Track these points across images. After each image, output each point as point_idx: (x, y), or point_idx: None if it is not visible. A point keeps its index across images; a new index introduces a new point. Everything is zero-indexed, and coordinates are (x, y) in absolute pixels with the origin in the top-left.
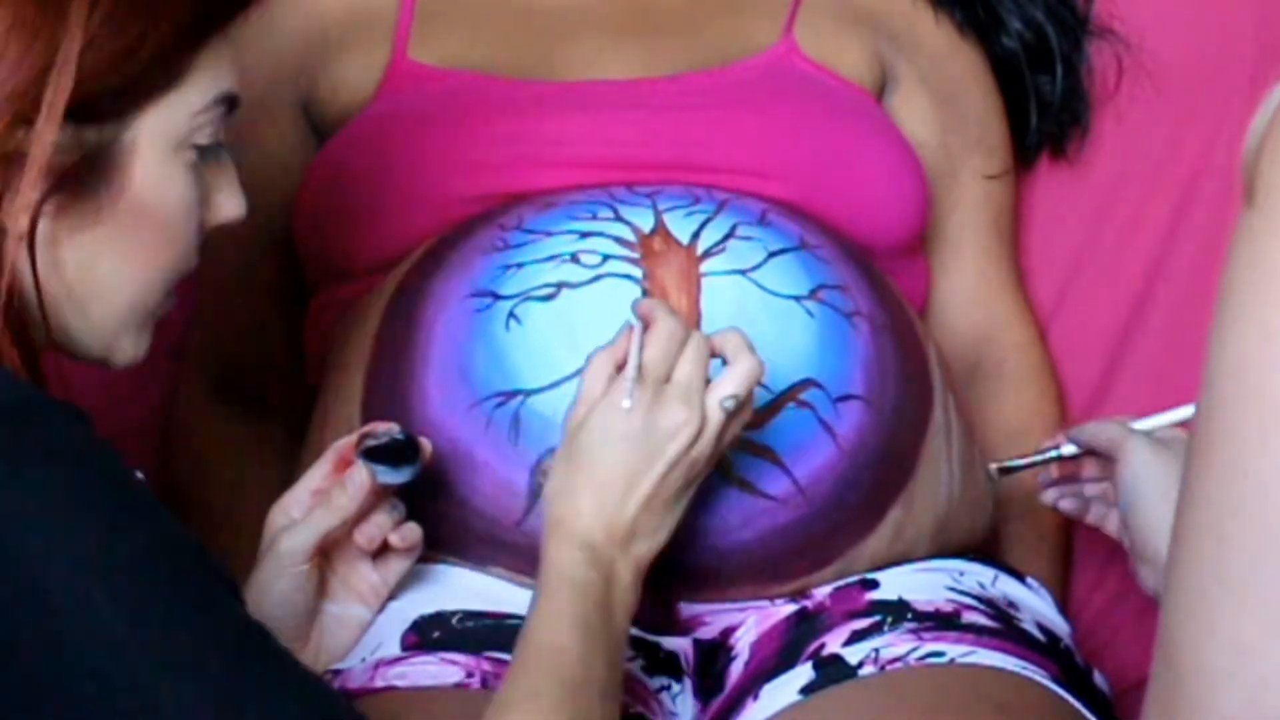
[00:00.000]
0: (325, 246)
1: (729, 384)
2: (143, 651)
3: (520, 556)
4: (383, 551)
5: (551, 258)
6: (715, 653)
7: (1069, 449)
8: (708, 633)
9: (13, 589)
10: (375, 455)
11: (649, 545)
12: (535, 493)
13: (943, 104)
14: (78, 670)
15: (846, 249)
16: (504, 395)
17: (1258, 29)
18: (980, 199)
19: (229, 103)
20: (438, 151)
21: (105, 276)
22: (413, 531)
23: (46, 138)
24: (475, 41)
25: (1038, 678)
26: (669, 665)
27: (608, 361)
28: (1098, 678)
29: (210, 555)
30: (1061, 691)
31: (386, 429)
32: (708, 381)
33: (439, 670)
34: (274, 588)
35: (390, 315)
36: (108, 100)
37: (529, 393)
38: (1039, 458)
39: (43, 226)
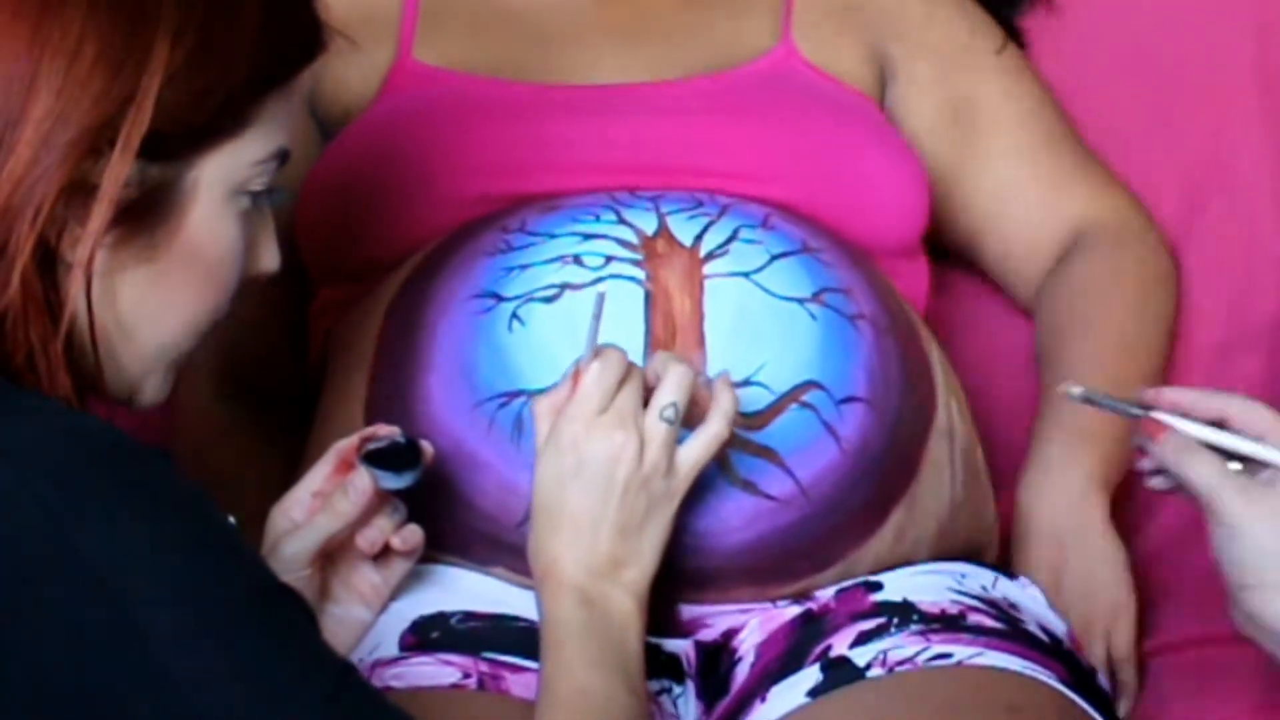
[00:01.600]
0: (328, 247)
1: (664, 394)
2: (246, 689)
3: (522, 557)
4: (384, 553)
5: (554, 259)
6: (718, 655)
7: (1161, 415)
8: (709, 635)
9: (115, 632)
10: (377, 459)
11: (639, 569)
12: None
13: (941, 55)
14: (180, 711)
15: (849, 252)
16: (507, 396)
17: (1258, 29)
18: (1004, 96)
19: (284, 157)
20: (441, 153)
21: (149, 314)
22: (414, 534)
23: (120, 171)
24: (479, 43)
25: (1046, 679)
26: (670, 667)
27: (546, 407)
28: (1100, 679)
29: (290, 590)
30: (1069, 692)
31: (389, 432)
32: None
33: (436, 671)
34: None
35: (393, 316)
36: (178, 140)
37: (532, 393)
38: (1126, 406)
39: (99, 258)
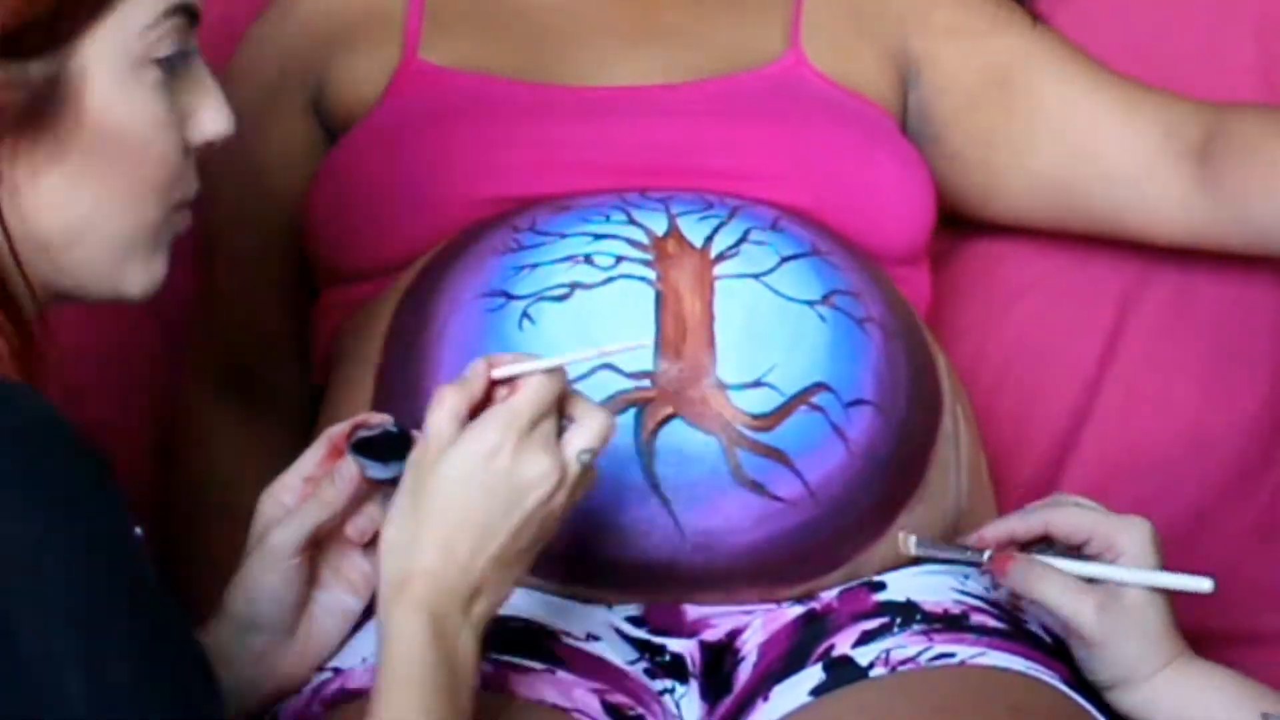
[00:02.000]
0: (335, 247)
1: (584, 437)
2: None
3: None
4: (376, 542)
5: (565, 259)
6: (721, 654)
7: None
8: (713, 635)
9: None
10: (366, 447)
11: (489, 604)
12: None
13: (965, 33)
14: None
15: (857, 256)
16: None
17: (1258, 31)
18: (1053, 48)
19: (185, 13)
20: (449, 154)
21: (87, 211)
22: None
23: None
24: (485, 43)
25: (1049, 679)
26: (674, 668)
27: (458, 399)
28: None
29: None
30: (1072, 693)
31: (380, 420)
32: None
33: None
34: (264, 581)
35: (401, 314)
36: (41, 31)
37: None
38: (961, 554)
39: (5, 174)
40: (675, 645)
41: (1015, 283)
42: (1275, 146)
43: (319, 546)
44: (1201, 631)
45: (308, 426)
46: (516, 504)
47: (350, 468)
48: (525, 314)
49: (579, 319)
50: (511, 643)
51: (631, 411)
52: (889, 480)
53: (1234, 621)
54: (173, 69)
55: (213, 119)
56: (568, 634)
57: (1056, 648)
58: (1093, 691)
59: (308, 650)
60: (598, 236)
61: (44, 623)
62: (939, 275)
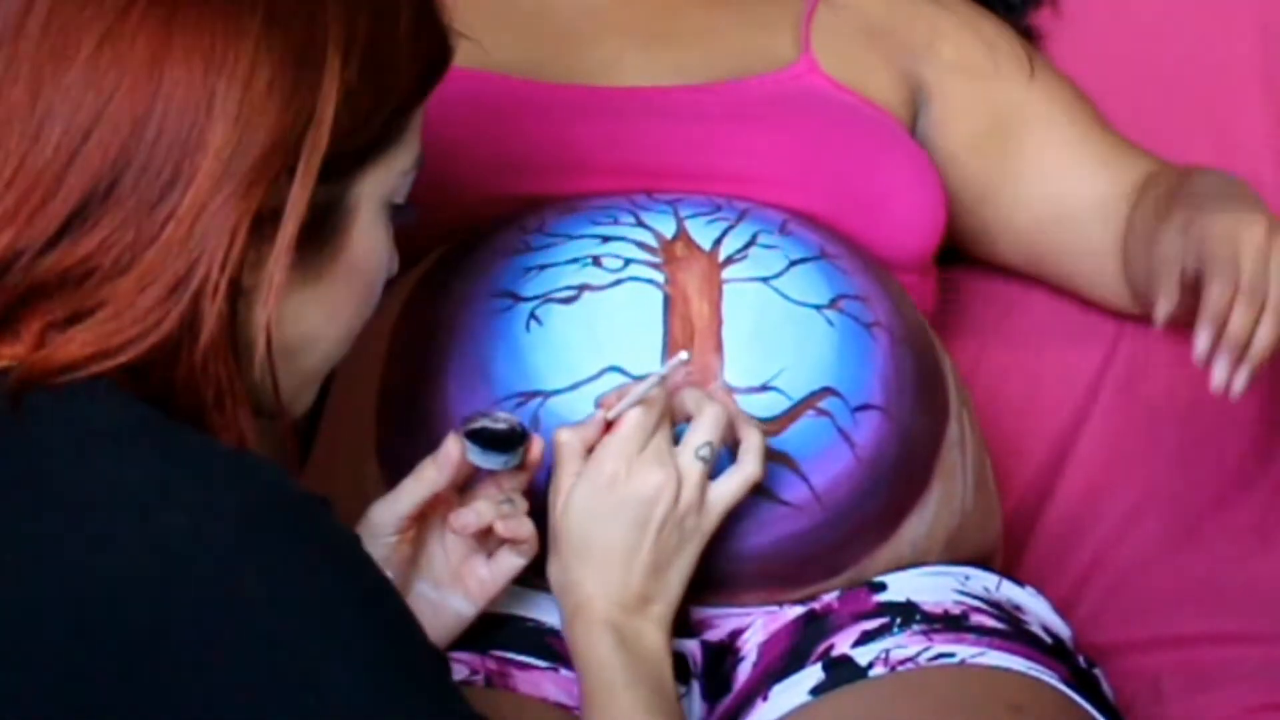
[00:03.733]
0: None
1: (700, 433)
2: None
3: (535, 557)
4: (498, 550)
5: (573, 260)
6: (722, 654)
7: None
8: (715, 635)
9: (289, 682)
10: (481, 438)
11: (666, 603)
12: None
13: (972, 72)
14: None
15: (866, 261)
16: (523, 396)
17: (1261, 31)
18: (1047, 102)
19: (420, 165)
20: (459, 153)
21: (311, 332)
22: (521, 525)
23: (304, 194)
24: (494, 43)
25: (1048, 679)
26: (677, 668)
27: (577, 441)
28: (1102, 680)
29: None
30: (1071, 693)
31: (507, 417)
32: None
33: None
34: None
35: (408, 313)
36: (348, 158)
37: (549, 394)
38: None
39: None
40: (678, 645)
41: (1017, 285)
42: None
43: (423, 536)
44: (1203, 634)
45: (310, 430)
46: (645, 519)
47: (453, 447)
48: (533, 315)
49: (587, 321)
50: (514, 641)
51: None
52: (895, 485)
53: (1233, 622)
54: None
55: (394, 261)
56: None
57: (1056, 648)
58: (1092, 691)
59: None
60: (606, 238)
61: (352, 676)
62: (943, 276)
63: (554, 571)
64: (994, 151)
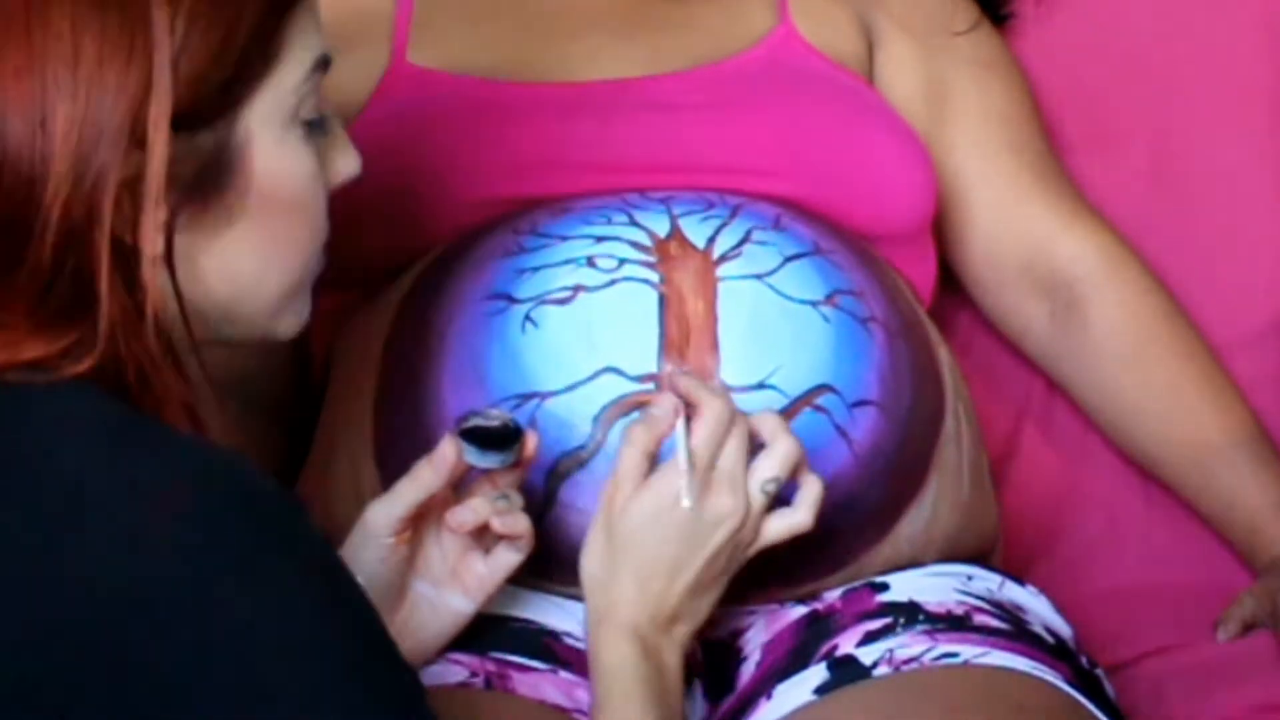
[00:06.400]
0: (332, 251)
1: (771, 466)
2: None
3: (535, 559)
4: (494, 545)
5: (567, 261)
6: (724, 654)
7: None
8: (715, 634)
9: (242, 691)
10: (476, 436)
11: (690, 626)
12: (550, 495)
13: (919, 34)
14: None
15: (861, 254)
16: (520, 397)
17: (1265, 28)
18: (975, 87)
19: (325, 66)
20: (441, 158)
21: (251, 270)
22: (517, 521)
23: (159, 155)
24: (475, 44)
25: (1052, 679)
26: None
27: (646, 438)
28: (1104, 680)
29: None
30: (1075, 693)
31: (500, 414)
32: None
33: (443, 669)
34: (359, 559)
35: (403, 317)
36: (212, 101)
37: (545, 395)
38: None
39: (179, 242)
40: None
41: None
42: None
43: (420, 536)
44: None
45: (307, 435)
46: (705, 541)
47: (449, 447)
48: (528, 317)
49: (582, 322)
50: (513, 643)
51: (635, 414)
52: (893, 481)
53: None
54: (311, 122)
55: (347, 162)
56: (570, 634)
57: (1059, 648)
58: (1095, 691)
59: (402, 640)
60: (600, 238)
61: (316, 682)
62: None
63: (590, 564)
64: (924, 119)
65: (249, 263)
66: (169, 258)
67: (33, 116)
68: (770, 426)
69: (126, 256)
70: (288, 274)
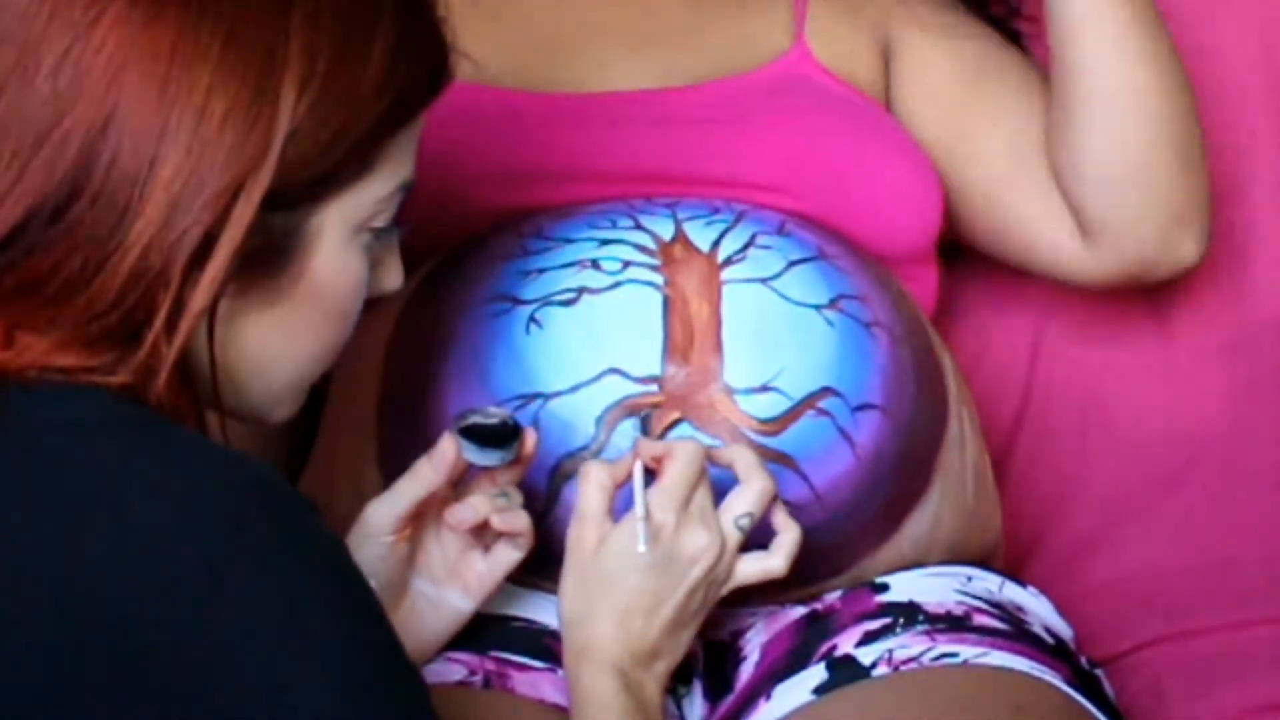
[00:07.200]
0: None
1: (745, 502)
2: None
3: (536, 558)
4: (493, 543)
5: (572, 264)
6: (723, 654)
7: None
8: (715, 634)
9: (254, 691)
10: (475, 434)
11: (670, 662)
12: (553, 495)
13: (937, 24)
14: None
15: (865, 260)
16: (523, 398)
17: (1263, 28)
18: (1014, 62)
19: (407, 189)
20: (454, 166)
21: (273, 354)
22: (517, 518)
23: (241, 223)
24: (486, 54)
25: (1051, 679)
26: (679, 669)
27: (605, 476)
28: (1104, 681)
29: (414, 665)
30: (1074, 694)
31: (498, 411)
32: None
33: (443, 669)
34: (359, 555)
35: (406, 319)
36: (302, 189)
37: (549, 395)
38: None
39: (222, 306)
40: None
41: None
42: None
43: (420, 534)
44: (1207, 626)
45: (307, 438)
46: (682, 578)
47: (448, 445)
48: (532, 318)
49: (587, 323)
50: (512, 642)
51: (639, 416)
52: (895, 485)
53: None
54: (378, 234)
55: (393, 278)
56: None
57: (1059, 648)
58: (1094, 692)
59: (402, 639)
60: (604, 241)
61: (323, 682)
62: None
63: (570, 604)
64: (952, 101)
65: (275, 345)
66: (211, 317)
67: (146, 152)
68: (745, 463)
69: (175, 304)
70: (305, 365)
